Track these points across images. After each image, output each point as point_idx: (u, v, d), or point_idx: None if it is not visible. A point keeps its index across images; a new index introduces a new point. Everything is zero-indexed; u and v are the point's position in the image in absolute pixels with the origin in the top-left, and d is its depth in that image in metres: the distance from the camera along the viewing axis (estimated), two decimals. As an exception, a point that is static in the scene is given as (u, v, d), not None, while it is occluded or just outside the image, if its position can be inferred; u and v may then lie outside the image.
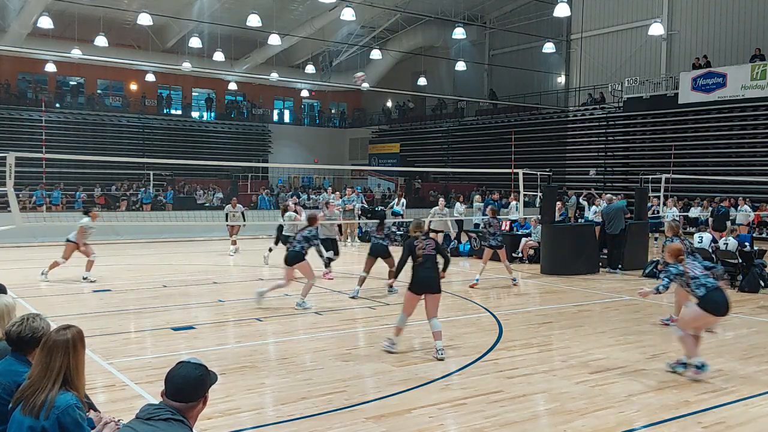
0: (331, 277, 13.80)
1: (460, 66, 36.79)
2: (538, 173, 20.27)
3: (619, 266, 15.38)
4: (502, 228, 14.34)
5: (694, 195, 26.14)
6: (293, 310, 10.63)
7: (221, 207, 23.67)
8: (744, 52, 28.25)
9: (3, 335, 3.96)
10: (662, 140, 29.73)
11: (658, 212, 20.70)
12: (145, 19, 27.67)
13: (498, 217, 13.81)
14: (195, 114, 43.53)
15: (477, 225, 20.88)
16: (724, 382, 6.90)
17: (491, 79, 41.26)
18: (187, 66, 34.38)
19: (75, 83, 40.02)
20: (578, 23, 33.25)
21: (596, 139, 33.47)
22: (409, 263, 7.94)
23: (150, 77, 39.79)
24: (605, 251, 15.79)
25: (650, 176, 20.97)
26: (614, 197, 18.05)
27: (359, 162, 46.07)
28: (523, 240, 17.28)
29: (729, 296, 7.07)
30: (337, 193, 24.34)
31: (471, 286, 12.98)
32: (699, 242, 13.71)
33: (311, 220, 11.12)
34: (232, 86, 42.90)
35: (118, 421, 3.71)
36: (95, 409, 3.96)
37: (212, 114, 43.31)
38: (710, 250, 13.46)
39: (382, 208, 26.14)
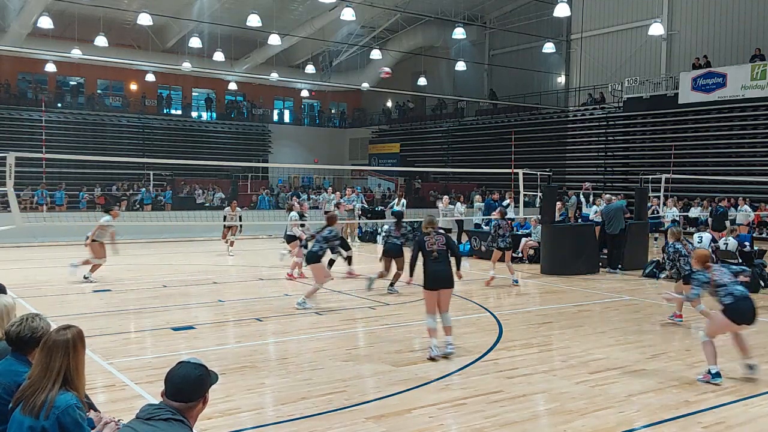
0: (357, 275, 13.95)
1: (460, 66, 36.79)
2: (538, 173, 20.27)
3: (619, 266, 15.38)
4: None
5: (694, 195, 26.13)
6: (293, 310, 10.63)
7: (221, 207, 23.70)
8: (744, 52, 28.24)
9: (3, 335, 3.96)
10: (662, 140, 29.72)
11: (658, 212, 20.70)
12: (145, 19, 27.67)
13: (507, 218, 13.95)
14: (195, 114, 43.53)
15: (477, 225, 20.88)
16: (725, 382, 6.89)
17: (491, 79, 41.25)
18: (187, 66, 34.38)
19: (75, 83, 40.02)
20: (578, 23, 33.24)
21: (596, 139, 33.46)
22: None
23: (150, 77, 39.79)
24: (605, 251, 15.79)
25: (650, 176, 20.97)
26: (613, 197, 18.05)
27: (359, 162, 46.07)
28: (523, 240, 17.28)
29: (755, 304, 6.92)
30: (338, 193, 24.34)
31: (487, 283, 13.29)
32: (698, 242, 13.70)
33: (330, 221, 11.26)
34: (232, 86, 42.89)
35: (118, 421, 3.71)
36: (95, 409, 3.96)
37: (212, 114, 43.30)
38: (710, 250, 13.46)
39: (382, 208, 26.22)
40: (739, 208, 21.61)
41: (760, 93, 26.19)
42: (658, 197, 21.24)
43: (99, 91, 40.64)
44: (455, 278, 7.97)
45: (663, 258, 13.42)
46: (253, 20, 27.62)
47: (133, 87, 41.29)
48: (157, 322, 9.66)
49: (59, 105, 37.89)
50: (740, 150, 27.93)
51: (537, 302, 12.16)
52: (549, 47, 32.84)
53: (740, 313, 6.79)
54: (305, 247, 15.04)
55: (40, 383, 3.33)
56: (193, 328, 9.31)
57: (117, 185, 31.39)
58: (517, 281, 13.44)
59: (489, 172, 27.56)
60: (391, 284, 12.42)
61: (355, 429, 5.59)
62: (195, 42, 32.38)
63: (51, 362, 3.37)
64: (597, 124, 33.44)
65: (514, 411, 6.01)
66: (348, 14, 26.33)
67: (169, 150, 37.16)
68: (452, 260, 7.98)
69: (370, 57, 37.18)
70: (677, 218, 21.08)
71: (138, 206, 28.10)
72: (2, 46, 31.02)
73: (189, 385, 3.01)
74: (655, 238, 20.23)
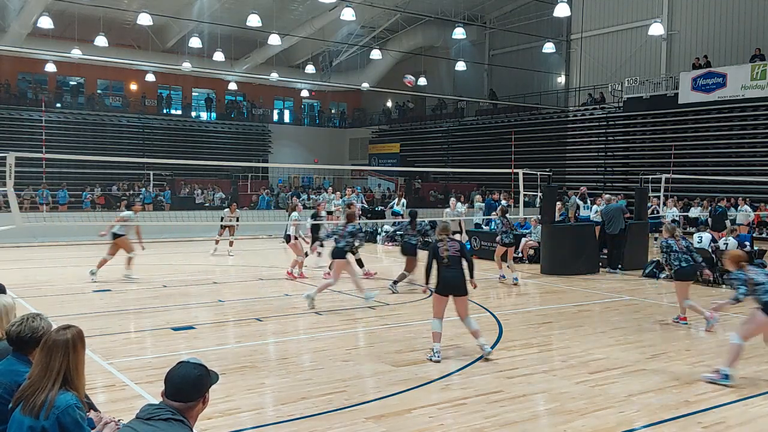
0: (373, 273, 14.13)
1: (460, 66, 36.78)
2: (538, 173, 20.26)
3: (619, 266, 15.38)
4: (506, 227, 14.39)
5: (694, 195, 26.12)
6: (293, 310, 10.64)
7: (221, 207, 23.68)
8: (744, 52, 28.24)
9: (2, 335, 3.96)
10: (662, 140, 29.71)
11: (658, 212, 20.70)
12: (145, 19, 27.66)
13: (507, 216, 14.03)
14: (195, 114, 43.51)
15: (478, 225, 20.89)
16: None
17: (491, 79, 41.25)
18: (187, 66, 34.38)
19: (75, 83, 40.01)
20: (578, 23, 33.23)
21: (596, 139, 33.46)
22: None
23: (150, 77, 39.78)
24: (605, 251, 15.79)
25: (650, 176, 20.96)
26: (613, 197, 18.05)
27: (359, 162, 46.06)
28: (523, 240, 17.28)
29: None
30: (338, 193, 24.33)
31: (501, 281, 13.60)
32: (698, 242, 13.72)
33: (350, 217, 11.54)
34: (232, 86, 42.88)
35: (118, 421, 3.71)
36: (95, 409, 3.96)
37: (212, 114, 43.29)
38: (710, 250, 13.47)
39: (382, 208, 26.23)
40: (739, 208, 21.60)
41: (760, 93, 26.19)
42: (658, 197, 21.23)
43: (99, 91, 40.63)
44: (469, 286, 7.93)
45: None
46: (253, 20, 27.61)
47: (133, 87, 41.28)
48: (157, 322, 9.66)
49: (59, 105, 37.88)
50: (740, 150, 27.92)
51: (537, 302, 12.16)
52: (549, 47, 32.84)
53: None
54: (322, 245, 15.19)
55: (40, 383, 3.33)
56: (193, 328, 9.31)
57: (117, 185, 31.39)
58: (516, 279, 13.50)
59: (489, 172, 27.55)
60: (395, 282, 12.46)
61: (355, 429, 5.59)
62: (195, 42, 32.38)
63: (51, 362, 3.37)
64: (597, 124, 33.44)
65: (514, 411, 6.01)
66: (348, 14, 26.32)
67: (169, 150, 37.15)
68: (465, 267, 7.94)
69: (370, 57, 37.20)
70: (677, 218, 21.09)
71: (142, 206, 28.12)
72: (2, 46, 31.01)
73: (188, 385, 3.01)
74: (655, 238, 20.18)
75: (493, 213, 19.28)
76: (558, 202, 18.00)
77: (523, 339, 8.78)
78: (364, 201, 25.42)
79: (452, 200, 21.53)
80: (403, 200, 24.61)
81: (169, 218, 23.75)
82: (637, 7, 32.38)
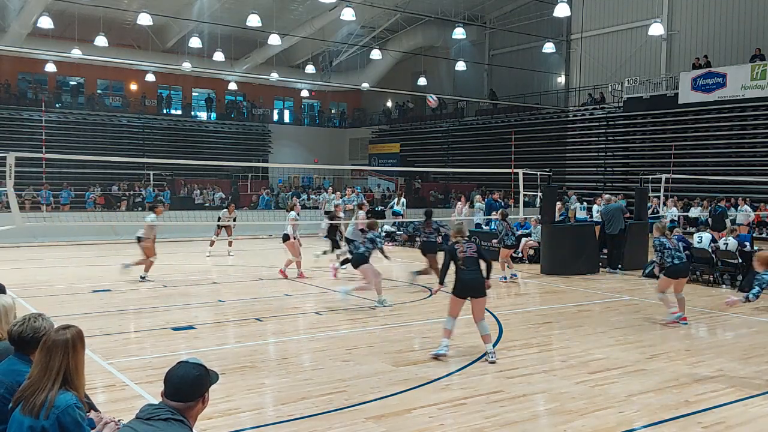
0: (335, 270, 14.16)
1: (460, 66, 36.78)
2: (538, 173, 20.26)
3: (619, 266, 15.38)
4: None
5: (694, 195, 26.12)
6: (293, 310, 10.64)
7: (221, 207, 23.67)
8: (744, 52, 28.23)
9: (3, 335, 3.96)
10: (662, 140, 29.71)
11: (658, 212, 20.70)
12: (145, 19, 27.66)
13: (508, 218, 14.12)
14: (195, 114, 43.52)
15: (478, 225, 20.88)
16: (724, 382, 6.90)
17: (491, 79, 41.25)
18: (187, 66, 34.37)
19: (75, 83, 39.99)
20: (578, 23, 33.22)
21: (596, 139, 33.45)
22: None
23: (150, 77, 39.77)
24: (605, 251, 15.79)
25: (650, 176, 20.96)
26: (612, 197, 18.05)
27: (359, 162, 46.05)
28: (523, 240, 17.28)
29: None
30: (338, 193, 24.33)
31: (504, 282, 13.62)
32: (699, 242, 13.72)
33: (371, 226, 11.64)
34: (232, 86, 42.88)
35: (118, 421, 3.71)
36: (95, 409, 3.96)
37: (212, 114, 43.29)
38: (710, 250, 13.47)
39: (382, 208, 26.21)
40: (739, 208, 21.60)
41: (760, 93, 26.18)
42: (658, 197, 21.23)
43: (99, 91, 40.63)
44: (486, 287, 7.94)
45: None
46: (253, 20, 27.61)
47: (133, 87, 41.27)
48: (157, 322, 9.66)
49: (59, 105, 37.87)
50: (740, 150, 27.92)
51: (537, 302, 12.16)
52: (549, 47, 32.84)
53: None
54: (337, 247, 15.22)
55: (40, 383, 3.33)
56: (193, 328, 9.31)
57: (117, 185, 31.39)
58: (516, 275, 13.80)
59: (489, 172, 27.55)
60: (418, 273, 12.79)
61: (355, 429, 5.59)
62: (195, 42, 32.38)
63: (50, 362, 3.37)
64: (597, 124, 33.43)
65: (514, 411, 6.01)
66: (348, 14, 26.32)
67: (169, 150, 37.15)
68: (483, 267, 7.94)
69: (370, 57, 37.20)
70: (675, 218, 21.08)
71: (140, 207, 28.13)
72: (2, 46, 31.00)
73: (187, 385, 3.01)
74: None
75: (493, 213, 19.28)
76: (558, 202, 17.99)
77: (523, 339, 8.78)
78: (364, 201, 25.40)
79: (458, 205, 21.61)
80: (403, 200, 24.60)
81: (169, 218, 23.73)
82: (637, 7, 32.37)
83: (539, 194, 18.43)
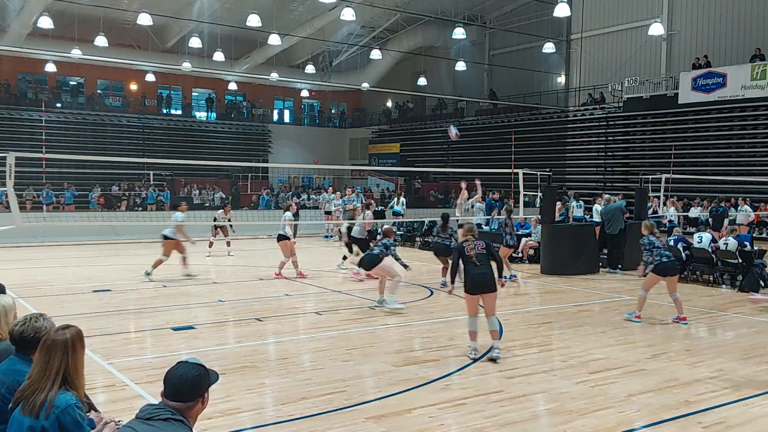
0: (360, 278, 13.83)
1: (460, 66, 36.78)
2: (538, 173, 20.26)
3: (619, 266, 15.38)
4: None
5: (694, 195, 26.11)
6: (293, 310, 10.63)
7: (221, 207, 23.66)
8: (744, 52, 28.23)
9: (3, 335, 3.96)
10: (662, 140, 29.71)
11: (657, 212, 20.69)
12: (145, 19, 27.66)
13: (512, 217, 14.09)
14: (195, 114, 43.53)
15: (478, 225, 20.85)
16: (724, 382, 6.90)
17: (491, 79, 41.24)
18: (187, 66, 34.37)
19: (75, 83, 40.00)
20: (578, 23, 33.22)
21: (596, 139, 33.45)
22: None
23: (150, 77, 39.77)
24: (605, 251, 15.78)
25: (650, 176, 20.96)
26: (612, 197, 18.04)
27: (359, 162, 46.06)
28: (523, 240, 17.28)
29: None
30: (338, 193, 24.32)
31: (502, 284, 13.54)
32: (698, 242, 13.72)
33: (387, 233, 11.70)
34: (232, 86, 42.88)
35: (119, 421, 3.71)
36: (95, 409, 3.96)
37: (212, 114, 43.29)
38: (710, 250, 13.47)
39: (382, 208, 26.21)
40: (739, 208, 21.59)
41: (760, 93, 26.18)
42: (658, 197, 21.22)
43: (99, 91, 40.63)
44: (498, 285, 7.99)
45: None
46: (253, 20, 27.61)
47: (133, 87, 41.27)
48: (157, 322, 9.66)
49: (59, 105, 37.87)
50: (740, 150, 27.91)
51: (537, 302, 12.16)
52: (549, 47, 32.84)
53: None
54: (350, 249, 15.15)
55: (40, 383, 3.33)
56: (193, 328, 9.31)
57: (117, 185, 31.40)
58: (515, 276, 13.75)
59: (489, 172, 27.54)
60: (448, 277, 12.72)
61: (355, 429, 5.59)
62: (195, 42, 32.38)
63: (50, 362, 3.37)
64: (597, 124, 33.43)
65: (514, 411, 6.01)
66: (348, 14, 26.32)
67: (169, 150, 37.14)
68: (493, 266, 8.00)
69: (370, 57, 37.19)
70: (673, 218, 21.06)
71: (143, 206, 28.15)
72: (2, 46, 31.00)
73: (186, 385, 3.01)
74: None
75: (494, 212, 19.28)
76: (558, 202, 17.98)
77: (523, 339, 8.78)
78: (364, 201, 25.38)
79: (462, 195, 21.48)
80: (403, 199, 24.60)
81: (169, 218, 23.71)
82: (637, 7, 32.38)
83: (539, 194, 18.43)
